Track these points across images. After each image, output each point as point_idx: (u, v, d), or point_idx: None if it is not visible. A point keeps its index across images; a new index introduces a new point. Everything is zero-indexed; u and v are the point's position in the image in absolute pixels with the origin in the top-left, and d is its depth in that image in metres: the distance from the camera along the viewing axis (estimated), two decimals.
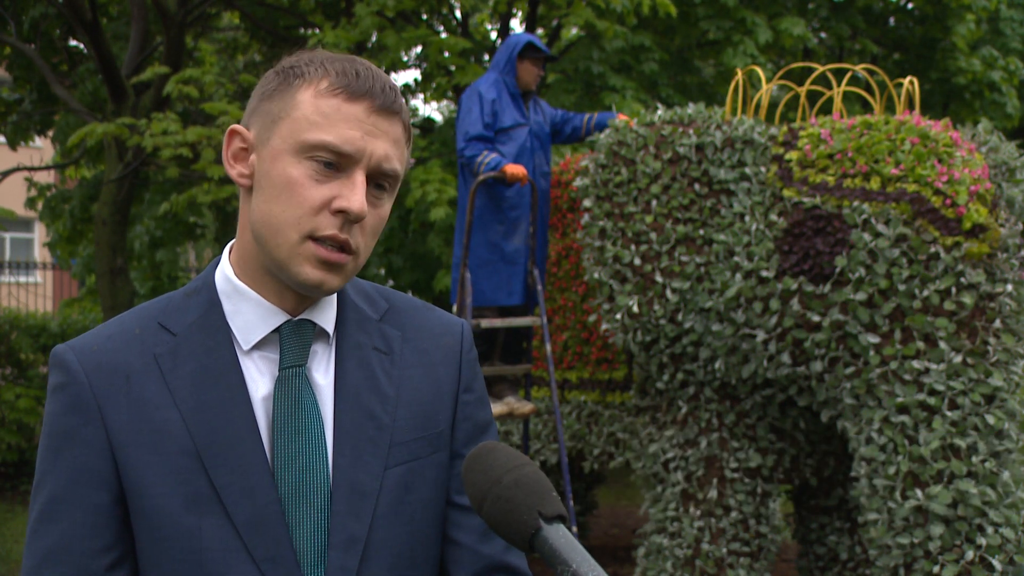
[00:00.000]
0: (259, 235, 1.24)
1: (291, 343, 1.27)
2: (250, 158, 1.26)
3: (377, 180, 1.24)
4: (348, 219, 1.20)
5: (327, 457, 1.25)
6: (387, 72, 9.82)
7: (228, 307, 1.28)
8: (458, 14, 9.71)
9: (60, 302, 12.95)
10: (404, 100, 1.26)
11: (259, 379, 1.27)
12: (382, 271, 9.36)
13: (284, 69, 1.25)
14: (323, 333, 1.31)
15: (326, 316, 1.31)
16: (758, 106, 4.98)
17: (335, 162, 1.20)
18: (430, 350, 1.37)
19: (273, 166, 1.22)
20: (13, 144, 10.59)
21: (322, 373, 1.29)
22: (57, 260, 11.87)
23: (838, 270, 4.03)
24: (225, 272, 1.30)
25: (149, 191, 9.74)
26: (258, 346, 1.28)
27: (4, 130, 10.56)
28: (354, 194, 1.19)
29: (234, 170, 1.28)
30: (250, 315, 1.27)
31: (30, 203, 11.23)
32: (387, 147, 1.22)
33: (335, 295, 1.33)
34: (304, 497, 1.23)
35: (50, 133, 10.81)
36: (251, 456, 1.22)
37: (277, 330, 1.28)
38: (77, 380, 1.24)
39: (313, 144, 1.19)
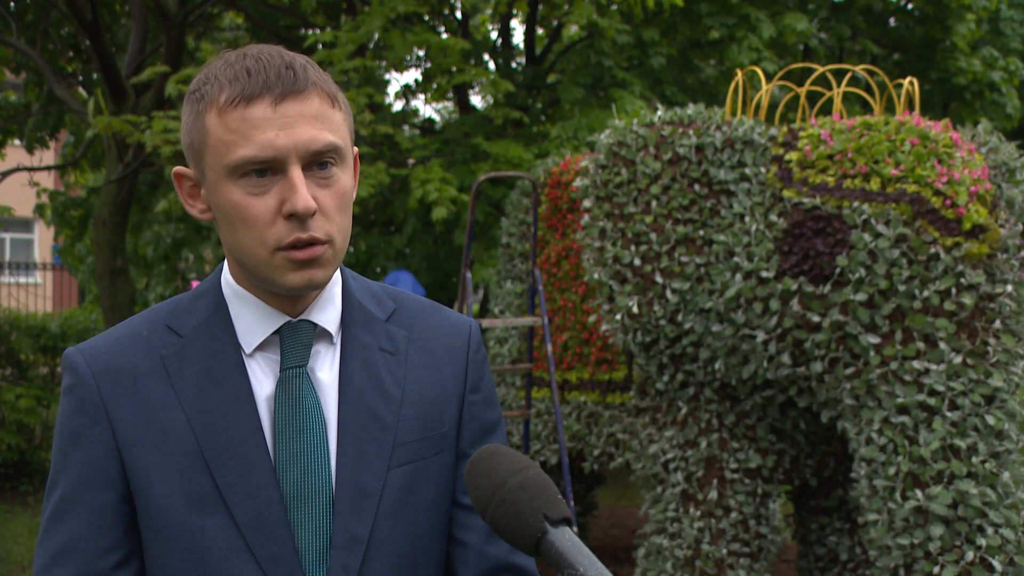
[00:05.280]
0: (237, 260, 1.25)
1: (291, 344, 1.28)
2: (201, 193, 1.26)
3: (316, 163, 1.21)
4: (300, 218, 1.19)
5: (329, 457, 1.26)
6: (390, 71, 9.78)
7: (232, 310, 1.30)
8: (458, 15, 9.71)
9: (64, 308, 12.94)
10: (310, 67, 1.22)
11: (263, 380, 1.27)
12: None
13: (190, 95, 1.24)
14: (326, 333, 1.31)
15: (327, 316, 1.31)
16: (758, 107, 4.98)
17: (265, 170, 1.19)
18: (436, 350, 1.36)
19: (217, 197, 1.22)
20: (31, 148, 10.67)
21: (326, 373, 1.30)
22: (67, 267, 11.88)
23: (838, 271, 4.03)
24: (227, 277, 1.32)
25: (159, 194, 9.73)
26: (261, 347, 1.29)
27: (16, 131, 10.62)
28: (295, 194, 1.18)
29: (194, 209, 1.29)
30: (250, 318, 1.28)
31: (39, 210, 11.22)
32: (309, 129, 1.18)
33: (338, 296, 1.34)
34: (306, 497, 1.24)
35: (60, 135, 10.87)
36: (254, 456, 1.23)
37: (278, 332, 1.28)
38: (85, 382, 1.25)
39: (236, 164, 1.18)
